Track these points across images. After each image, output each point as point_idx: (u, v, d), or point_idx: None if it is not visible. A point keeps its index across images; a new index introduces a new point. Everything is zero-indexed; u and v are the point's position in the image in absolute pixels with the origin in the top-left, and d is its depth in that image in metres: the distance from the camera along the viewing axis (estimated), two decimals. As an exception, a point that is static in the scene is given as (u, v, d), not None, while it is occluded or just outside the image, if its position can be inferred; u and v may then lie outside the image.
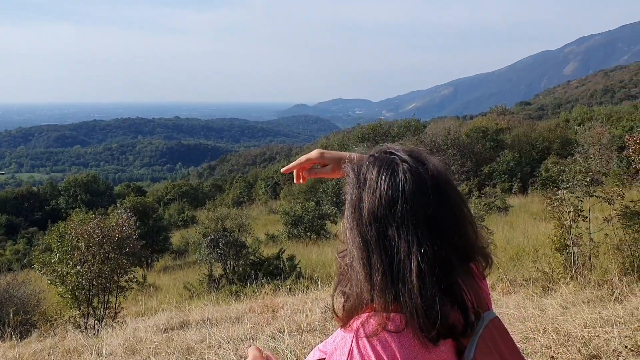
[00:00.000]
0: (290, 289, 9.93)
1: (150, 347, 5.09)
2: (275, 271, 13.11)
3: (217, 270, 13.99)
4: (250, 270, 13.30)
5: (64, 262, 7.74)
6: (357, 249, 1.13)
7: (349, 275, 1.17)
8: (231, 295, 10.78)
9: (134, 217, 8.48)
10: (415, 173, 1.13)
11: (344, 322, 1.15)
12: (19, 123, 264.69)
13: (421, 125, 37.55)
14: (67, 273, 7.63)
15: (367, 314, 1.12)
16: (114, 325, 7.77)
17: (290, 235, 22.71)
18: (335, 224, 25.02)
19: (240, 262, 13.89)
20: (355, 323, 1.12)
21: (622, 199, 7.25)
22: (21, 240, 43.29)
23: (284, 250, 14.49)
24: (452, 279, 1.11)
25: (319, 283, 9.39)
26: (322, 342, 1.25)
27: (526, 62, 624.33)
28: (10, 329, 8.18)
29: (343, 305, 1.19)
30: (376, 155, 1.20)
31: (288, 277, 12.33)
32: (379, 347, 1.07)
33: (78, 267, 7.53)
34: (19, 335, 8.26)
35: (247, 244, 14.90)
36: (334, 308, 1.21)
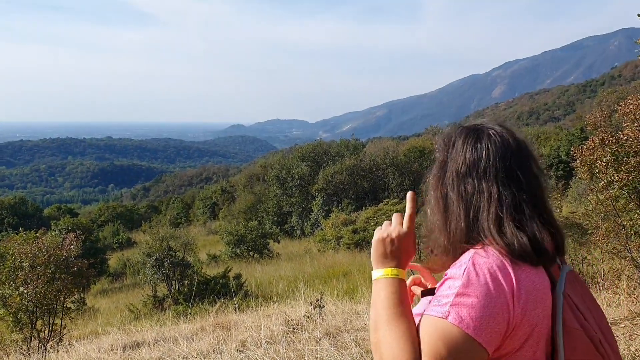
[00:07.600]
0: (238, 307, 9.87)
1: (110, 366, 4.93)
2: (222, 290, 12.94)
3: (162, 291, 13.66)
4: (196, 290, 13.07)
5: (6, 283, 7.37)
6: (438, 200, 1.30)
7: (433, 228, 1.31)
8: (178, 315, 10.56)
9: (82, 235, 8.19)
10: (500, 134, 1.28)
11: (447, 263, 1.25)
12: None
13: (360, 144, 38.17)
14: (10, 295, 7.27)
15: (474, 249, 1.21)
16: (60, 348, 7.45)
17: (233, 255, 22.47)
18: (279, 242, 24.97)
19: (186, 282, 13.63)
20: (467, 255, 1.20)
21: (561, 211, 7.72)
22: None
23: (230, 269, 14.34)
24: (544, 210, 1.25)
25: (270, 300, 9.35)
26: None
27: (456, 85, 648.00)
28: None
29: (434, 255, 1.32)
30: (464, 126, 1.34)
31: (235, 296, 12.21)
32: (493, 263, 1.15)
33: (22, 289, 7.19)
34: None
35: (192, 264, 14.65)
36: (429, 263, 1.37)
